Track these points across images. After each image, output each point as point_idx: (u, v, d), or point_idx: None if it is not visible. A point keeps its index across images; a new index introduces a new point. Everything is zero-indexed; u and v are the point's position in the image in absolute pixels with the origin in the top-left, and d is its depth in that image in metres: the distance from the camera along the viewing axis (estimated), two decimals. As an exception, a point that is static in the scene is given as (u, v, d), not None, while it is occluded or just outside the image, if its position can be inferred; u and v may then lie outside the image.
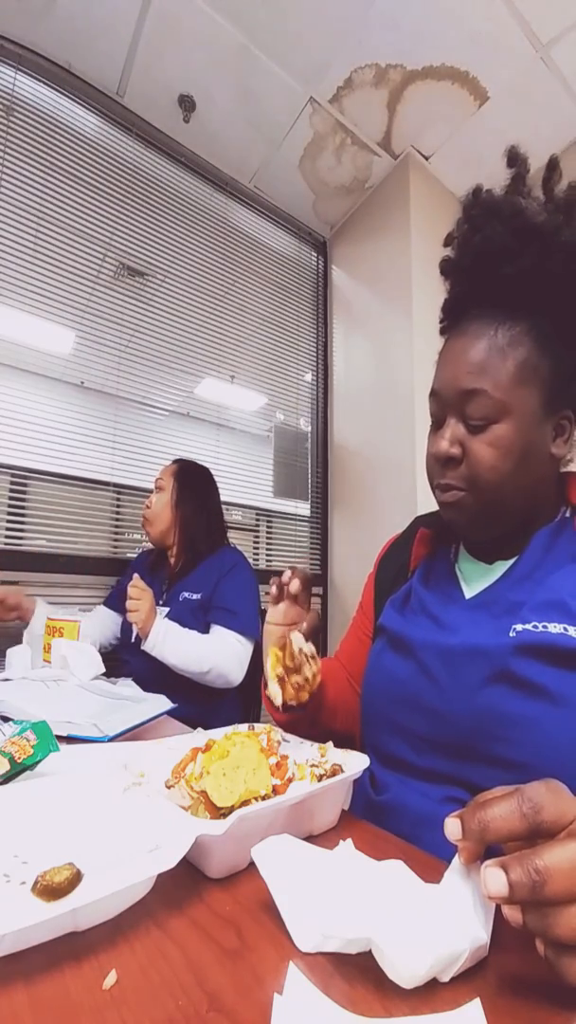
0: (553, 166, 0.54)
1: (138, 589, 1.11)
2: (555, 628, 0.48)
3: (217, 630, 1.22)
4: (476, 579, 0.61)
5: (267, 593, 0.66)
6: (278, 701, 0.54)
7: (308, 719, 0.64)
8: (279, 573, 0.64)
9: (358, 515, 2.04)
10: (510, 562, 0.58)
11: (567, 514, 0.58)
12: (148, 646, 1.12)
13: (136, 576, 1.15)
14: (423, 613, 0.61)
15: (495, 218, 0.53)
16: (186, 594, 1.27)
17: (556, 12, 1.46)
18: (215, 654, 1.16)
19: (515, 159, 0.55)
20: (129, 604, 1.11)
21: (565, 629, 0.48)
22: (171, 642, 1.13)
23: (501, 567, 0.59)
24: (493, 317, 0.53)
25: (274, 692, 0.54)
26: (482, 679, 0.49)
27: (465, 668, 0.51)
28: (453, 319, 0.60)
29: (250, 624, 1.26)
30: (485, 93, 1.70)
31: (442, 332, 0.62)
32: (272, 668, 0.55)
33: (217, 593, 1.27)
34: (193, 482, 1.40)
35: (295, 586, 0.62)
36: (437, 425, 0.58)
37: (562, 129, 1.82)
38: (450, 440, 0.54)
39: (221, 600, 1.26)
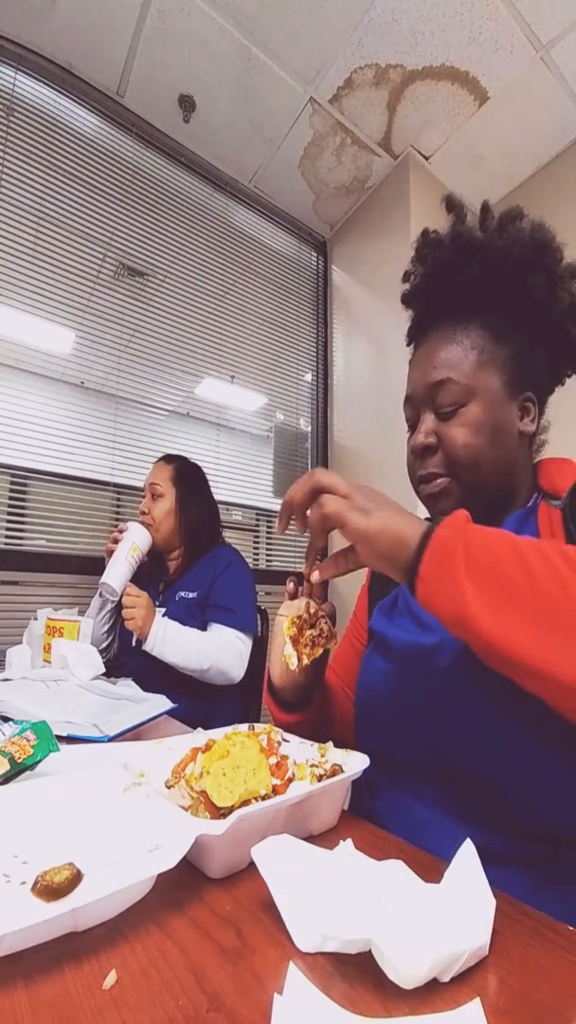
0: (486, 209, 0.62)
1: (132, 597, 1.13)
2: None
3: (215, 627, 1.22)
4: None
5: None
6: (293, 664, 0.54)
7: (310, 721, 0.64)
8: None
9: (358, 515, 2.04)
10: None
11: (539, 500, 0.59)
12: (149, 646, 1.12)
13: (129, 584, 1.16)
14: (407, 615, 0.62)
15: (440, 245, 0.62)
16: (182, 593, 1.27)
17: (556, 12, 1.46)
18: (215, 651, 1.16)
19: (452, 205, 0.63)
20: (125, 612, 1.12)
21: None
22: (170, 640, 1.13)
23: None
24: (451, 323, 0.60)
25: (289, 654, 0.54)
26: (459, 674, 0.50)
27: (442, 665, 0.52)
28: (418, 339, 0.66)
29: (248, 620, 1.26)
30: (485, 93, 1.70)
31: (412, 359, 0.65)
32: (287, 631, 0.55)
33: (213, 591, 1.27)
34: (191, 484, 1.39)
35: (316, 576, 0.60)
36: (413, 427, 0.62)
37: (562, 129, 1.82)
38: (425, 432, 0.58)
39: (218, 598, 1.25)
